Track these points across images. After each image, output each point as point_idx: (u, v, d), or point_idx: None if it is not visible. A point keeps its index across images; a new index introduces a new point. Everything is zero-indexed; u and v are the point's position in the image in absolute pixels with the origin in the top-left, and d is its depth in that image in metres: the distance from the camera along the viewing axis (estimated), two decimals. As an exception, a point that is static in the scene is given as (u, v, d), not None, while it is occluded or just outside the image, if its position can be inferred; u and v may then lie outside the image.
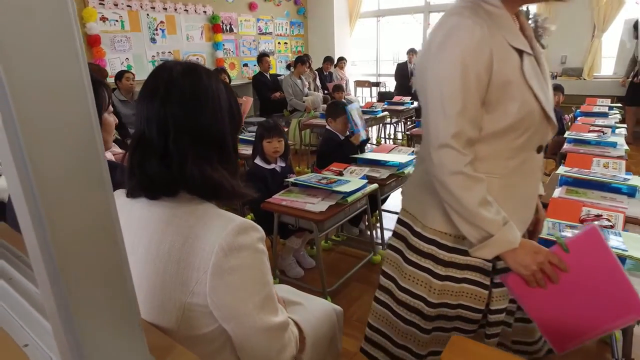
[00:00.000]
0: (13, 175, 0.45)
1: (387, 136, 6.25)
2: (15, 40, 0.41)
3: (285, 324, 0.85)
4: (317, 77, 6.56)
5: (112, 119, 1.26)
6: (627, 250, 1.27)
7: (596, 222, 1.49)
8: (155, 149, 0.78)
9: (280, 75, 6.66)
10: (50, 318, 0.53)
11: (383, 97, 6.65)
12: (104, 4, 4.87)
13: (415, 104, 5.58)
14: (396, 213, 3.50)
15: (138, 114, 0.82)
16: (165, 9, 5.52)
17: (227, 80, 5.03)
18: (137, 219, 0.82)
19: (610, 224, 1.48)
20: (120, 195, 0.84)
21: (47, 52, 0.44)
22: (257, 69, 6.16)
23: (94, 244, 0.51)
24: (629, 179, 1.87)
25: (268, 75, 6.01)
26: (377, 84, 7.88)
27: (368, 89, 7.91)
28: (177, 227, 0.77)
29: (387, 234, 2.98)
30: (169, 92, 0.78)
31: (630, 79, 5.32)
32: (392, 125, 6.29)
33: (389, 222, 3.26)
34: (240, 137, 3.28)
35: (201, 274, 0.74)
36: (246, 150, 2.97)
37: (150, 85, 0.80)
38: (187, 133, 0.77)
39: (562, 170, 2.05)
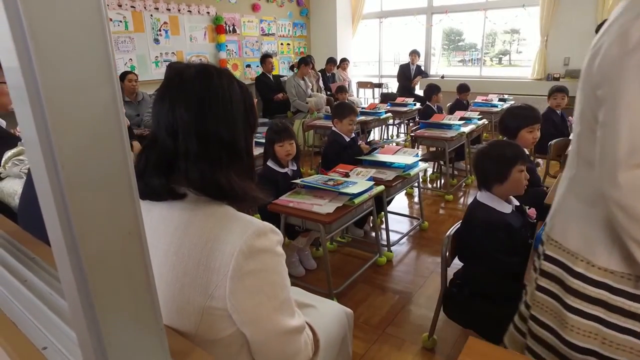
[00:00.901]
0: (44, 180, 0.45)
1: (389, 137, 6.25)
2: (49, 40, 0.41)
3: (302, 327, 0.86)
4: (320, 78, 6.56)
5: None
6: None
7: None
8: (165, 151, 0.78)
9: (283, 76, 6.66)
10: (76, 325, 0.52)
11: (386, 98, 6.64)
12: (108, 5, 4.87)
13: (418, 105, 5.59)
14: (401, 214, 3.52)
15: (152, 116, 0.84)
16: (168, 9, 5.52)
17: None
18: (156, 220, 0.82)
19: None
20: None
21: (79, 47, 0.43)
22: (260, 70, 6.16)
23: (121, 251, 0.51)
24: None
25: (271, 77, 6.01)
26: (379, 85, 7.88)
27: (370, 90, 7.91)
28: (197, 229, 0.77)
29: (393, 236, 2.98)
30: (179, 94, 0.78)
31: None
32: (394, 127, 6.29)
33: (394, 223, 3.26)
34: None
35: (221, 277, 0.74)
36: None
37: (163, 87, 0.82)
38: (195, 135, 0.78)
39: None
